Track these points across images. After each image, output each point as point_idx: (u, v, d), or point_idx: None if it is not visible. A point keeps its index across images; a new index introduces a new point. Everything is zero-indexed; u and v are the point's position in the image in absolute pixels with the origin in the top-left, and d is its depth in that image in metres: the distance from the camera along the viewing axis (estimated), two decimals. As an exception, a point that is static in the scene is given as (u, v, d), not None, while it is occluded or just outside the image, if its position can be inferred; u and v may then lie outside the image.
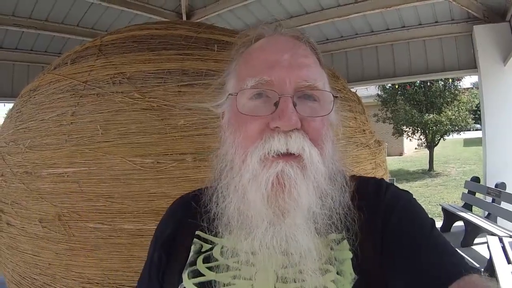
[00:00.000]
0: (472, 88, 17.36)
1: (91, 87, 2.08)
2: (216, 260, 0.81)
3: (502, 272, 3.42)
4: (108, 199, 1.88)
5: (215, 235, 0.84)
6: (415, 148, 23.78)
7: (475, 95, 14.94)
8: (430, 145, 15.23)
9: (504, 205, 5.19)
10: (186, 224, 0.88)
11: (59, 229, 1.95)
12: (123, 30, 2.45)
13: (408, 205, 0.82)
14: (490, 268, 3.70)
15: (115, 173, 1.89)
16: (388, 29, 7.12)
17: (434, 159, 15.40)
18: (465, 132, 16.81)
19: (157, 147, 1.91)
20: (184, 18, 6.75)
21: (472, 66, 6.48)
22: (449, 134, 15.35)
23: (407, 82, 13.63)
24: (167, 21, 3.51)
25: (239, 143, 0.77)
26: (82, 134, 1.99)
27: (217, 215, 0.81)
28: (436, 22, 6.66)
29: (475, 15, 5.96)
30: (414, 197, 0.86)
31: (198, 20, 6.52)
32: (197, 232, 0.86)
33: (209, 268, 0.80)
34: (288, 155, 0.74)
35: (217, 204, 0.82)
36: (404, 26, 6.92)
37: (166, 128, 1.94)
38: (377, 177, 0.94)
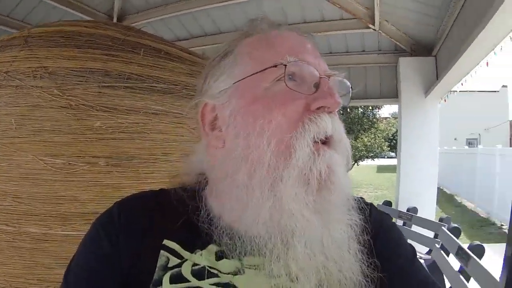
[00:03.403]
0: (389, 117, 18.52)
1: (11, 78, 1.95)
2: (188, 281, 0.68)
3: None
4: (15, 199, 1.75)
5: (189, 248, 0.71)
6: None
7: (392, 124, 15.92)
8: (344, 170, 15.87)
9: (415, 228, 5.52)
10: (151, 228, 0.74)
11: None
12: (52, 24, 2.33)
13: (392, 228, 0.82)
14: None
15: (25, 171, 1.77)
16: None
17: (346, 183, 16.08)
18: (379, 158, 17.74)
19: (69, 148, 1.81)
20: (115, 21, 6.58)
21: (394, 95, 6.84)
22: (364, 160, 16.10)
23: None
24: (97, 20, 3.41)
25: (272, 131, 0.66)
26: (-5, 127, 1.86)
27: (218, 223, 0.70)
28: (363, 51, 6.97)
29: (403, 48, 6.33)
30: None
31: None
32: (164, 241, 0.72)
33: None
34: (327, 143, 0.69)
35: (217, 212, 0.72)
36: (331, 52, 7.11)
37: (81, 128, 1.85)
38: None
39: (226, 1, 5.70)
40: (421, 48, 6.24)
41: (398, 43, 6.25)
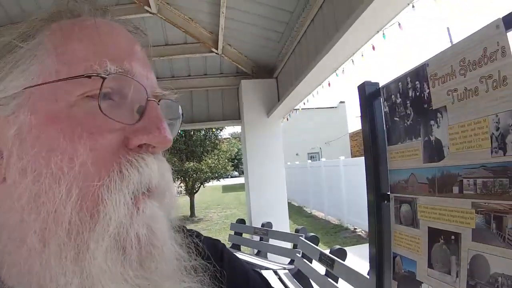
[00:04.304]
0: (229, 138, 19.41)
1: None
2: None
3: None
4: None
5: None
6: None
7: (234, 144, 16.62)
8: (191, 192, 15.97)
9: (272, 241, 5.75)
10: None
11: None
12: None
13: (230, 254, 0.72)
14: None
15: None
16: (158, 77, 7.15)
17: (195, 205, 16.21)
18: (224, 178, 18.35)
19: None
20: None
21: (236, 117, 7.09)
22: (209, 181, 16.47)
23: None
24: None
25: (74, 174, 0.45)
26: None
27: None
28: (206, 74, 7.07)
29: (244, 70, 6.62)
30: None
31: None
32: None
33: None
34: (148, 194, 0.51)
35: None
36: (173, 76, 7.07)
37: None
38: None
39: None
40: (262, 71, 6.61)
41: (239, 66, 6.52)
